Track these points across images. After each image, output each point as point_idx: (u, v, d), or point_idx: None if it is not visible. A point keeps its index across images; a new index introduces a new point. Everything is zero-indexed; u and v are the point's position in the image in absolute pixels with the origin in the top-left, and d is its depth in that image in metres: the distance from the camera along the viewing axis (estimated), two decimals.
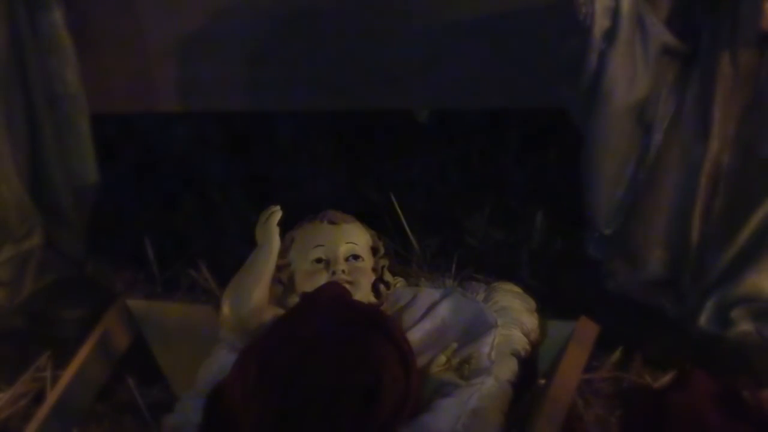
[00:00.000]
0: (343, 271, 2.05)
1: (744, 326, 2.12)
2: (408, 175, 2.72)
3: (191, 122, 2.76)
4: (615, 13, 2.05)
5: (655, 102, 2.14)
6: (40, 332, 2.35)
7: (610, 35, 2.06)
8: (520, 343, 2.02)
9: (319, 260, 2.07)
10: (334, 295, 1.98)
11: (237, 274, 2.06)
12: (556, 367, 2.00)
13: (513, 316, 2.05)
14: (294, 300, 2.06)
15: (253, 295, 2.02)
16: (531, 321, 2.07)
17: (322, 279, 2.04)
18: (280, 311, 2.02)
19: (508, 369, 1.96)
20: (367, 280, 2.08)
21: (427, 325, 2.04)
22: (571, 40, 2.11)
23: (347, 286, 2.02)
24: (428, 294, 2.11)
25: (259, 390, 1.84)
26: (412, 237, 2.46)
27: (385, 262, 2.13)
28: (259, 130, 2.78)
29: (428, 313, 2.07)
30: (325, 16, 2.48)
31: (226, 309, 2.03)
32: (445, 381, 1.90)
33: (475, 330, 2.01)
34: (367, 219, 2.16)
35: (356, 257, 2.08)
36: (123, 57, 2.55)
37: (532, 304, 2.12)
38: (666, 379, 2.09)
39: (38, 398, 2.21)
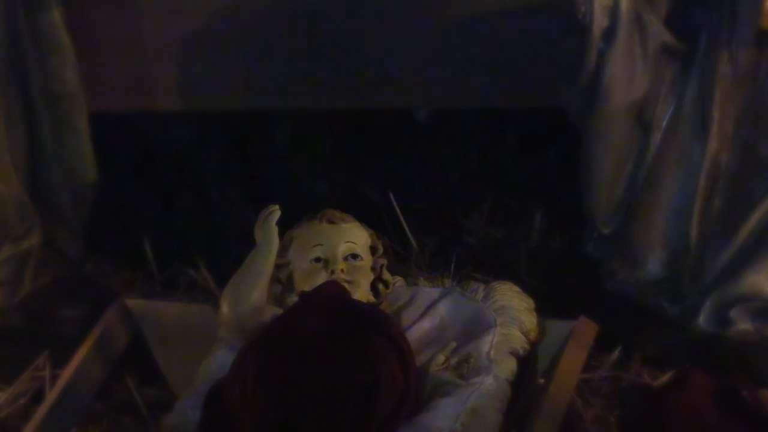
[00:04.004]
0: (342, 271, 2.05)
1: (743, 325, 2.12)
2: (407, 175, 2.72)
3: (190, 121, 2.76)
4: (614, 13, 2.06)
5: (654, 101, 2.15)
6: (38, 331, 2.35)
7: (609, 34, 2.07)
8: (519, 342, 2.02)
9: (317, 259, 2.07)
10: (333, 295, 1.98)
11: (236, 273, 2.06)
12: (555, 367, 2.00)
13: (512, 315, 2.06)
14: (293, 299, 2.06)
15: (252, 294, 2.02)
16: (530, 320, 2.07)
17: (321, 278, 2.04)
18: (279, 310, 2.02)
19: (507, 368, 1.96)
20: (366, 279, 2.08)
21: (425, 325, 2.05)
22: (570, 39, 2.11)
23: (346, 285, 2.02)
24: (427, 293, 2.11)
25: (258, 389, 1.84)
26: (410, 236, 2.46)
27: (383, 261, 2.13)
28: (258, 130, 2.78)
29: (427, 312, 2.07)
30: (325, 16, 2.48)
31: (224, 308, 2.03)
32: (444, 380, 1.90)
33: (474, 329, 2.01)
34: (365, 218, 2.16)
35: (355, 256, 2.08)
36: (122, 56, 2.55)
37: (531, 303, 2.12)
38: (665, 378, 2.09)
39: (37, 397, 2.21)
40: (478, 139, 2.70)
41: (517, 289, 2.13)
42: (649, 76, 2.12)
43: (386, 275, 2.13)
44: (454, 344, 1.97)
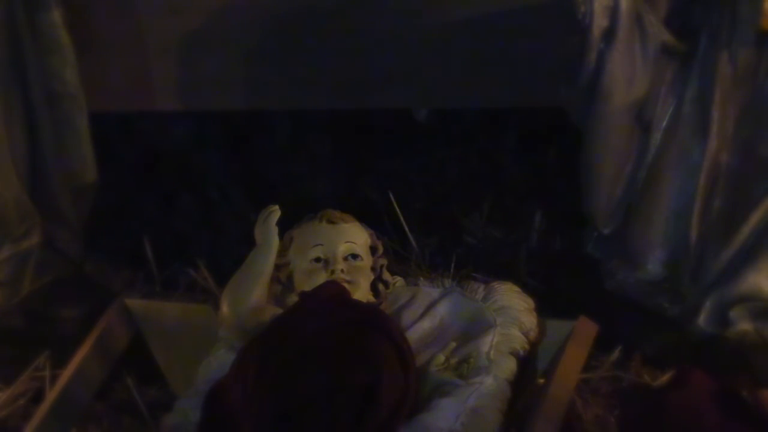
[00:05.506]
0: (342, 271, 2.05)
1: (743, 325, 2.12)
2: (407, 174, 2.71)
3: (190, 121, 2.76)
4: (614, 13, 2.05)
5: (654, 101, 2.14)
6: (38, 332, 2.35)
7: (609, 34, 2.07)
8: (519, 342, 2.02)
9: (318, 259, 2.07)
10: (333, 294, 1.98)
11: (236, 273, 2.06)
12: (555, 367, 2.00)
13: (512, 315, 2.05)
14: (293, 299, 2.06)
15: (252, 294, 2.02)
16: (530, 320, 2.07)
17: (321, 278, 2.04)
18: (279, 310, 2.02)
19: (507, 368, 1.96)
20: (365, 279, 2.08)
21: (426, 325, 2.05)
22: (570, 39, 2.11)
23: (346, 285, 2.02)
24: (427, 293, 2.11)
25: (258, 389, 1.84)
26: (410, 236, 2.46)
27: (384, 261, 2.13)
28: (258, 129, 2.77)
29: (427, 312, 2.07)
30: (325, 16, 2.48)
31: (225, 308, 2.03)
32: (444, 380, 1.90)
33: (474, 329, 2.01)
34: (365, 218, 2.16)
35: (355, 256, 2.08)
36: (122, 56, 2.55)
37: (531, 303, 2.12)
38: (665, 378, 2.09)
39: (37, 397, 2.21)
40: (478, 139, 2.70)
41: (517, 289, 2.13)
42: (649, 76, 2.12)
43: (386, 275, 2.13)
44: (454, 344, 1.97)
